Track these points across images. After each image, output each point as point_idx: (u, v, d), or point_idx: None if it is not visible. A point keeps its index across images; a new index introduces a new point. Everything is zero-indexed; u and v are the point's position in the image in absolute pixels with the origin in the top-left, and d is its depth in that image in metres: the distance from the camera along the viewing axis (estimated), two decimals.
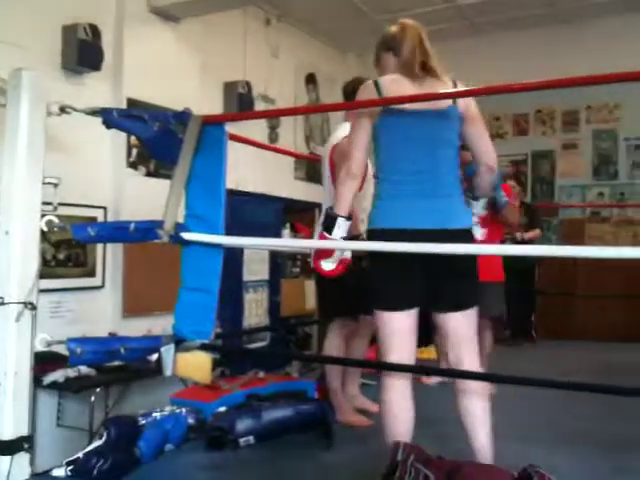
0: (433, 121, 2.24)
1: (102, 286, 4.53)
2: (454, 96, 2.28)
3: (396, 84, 2.25)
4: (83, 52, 4.25)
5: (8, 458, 2.22)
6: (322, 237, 2.32)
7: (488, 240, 2.95)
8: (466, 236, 2.25)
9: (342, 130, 3.20)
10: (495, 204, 3.79)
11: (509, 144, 7.50)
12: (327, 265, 2.33)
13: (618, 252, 1.96)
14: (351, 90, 2.93)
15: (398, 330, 2.24)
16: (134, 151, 4.67)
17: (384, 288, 2.26)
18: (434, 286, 2.25)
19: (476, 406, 2.24)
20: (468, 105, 2.31)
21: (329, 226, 2.27)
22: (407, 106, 2.20)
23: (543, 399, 3.47)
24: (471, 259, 2.32)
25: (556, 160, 7.34)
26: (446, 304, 2.27)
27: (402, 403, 2.23)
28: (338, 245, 2.32)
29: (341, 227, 2.26)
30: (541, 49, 6.77)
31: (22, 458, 2.26)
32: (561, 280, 6.65)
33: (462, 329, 2.28)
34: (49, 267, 4.08)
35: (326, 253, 2.34)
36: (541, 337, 6.18)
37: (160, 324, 3.60)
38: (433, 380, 4.11)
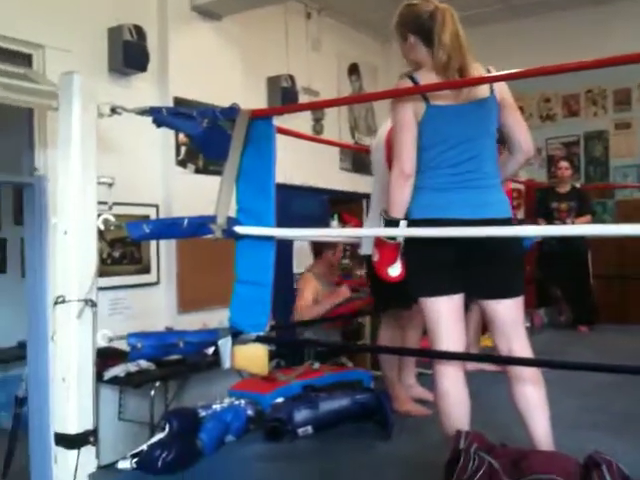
0: (473, 113, 2.22)
1: (157, 282, 4.63)
2: (498, 80, 2.23)
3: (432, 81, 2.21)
4: (129, 53, 4.34)
5: (75, 452, 2.26)
6: (381, 245, 2.28)
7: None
8: (506, 225, 2.22)
9: None
10: None
11: (560, 126, 7.33)
12: (393, 271, 2.28)
13: None
14: None
15: (444, 315, 2.23)
16: (183, 149, 4.74)
17: (423, 274, 2.25)
18: (479, 273, 2.23)
19: (533, 393, 2.20)
20: (503, 93, 2.28)
21: None
22: (447, 101, 2.19)
23: (600, 384, 3.38)
24: (515, 247, 2.30)
25: (609, 140, 7.13)
26: (493, 291, 2.25)
27: (456, 390, 2.22)
28: (378, 233, 2.28)
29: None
30: (583, 29, 6.55)
31: (88, 451, 2.30)
32: (618, 263, 6.47)
33: (510, 316, 2.25)
34: (105, 265, 4.18)
35: (390, 260, 2.28)
36: (599, 322, 6.01)
37: (214, 318, 3.64)
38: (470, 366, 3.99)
